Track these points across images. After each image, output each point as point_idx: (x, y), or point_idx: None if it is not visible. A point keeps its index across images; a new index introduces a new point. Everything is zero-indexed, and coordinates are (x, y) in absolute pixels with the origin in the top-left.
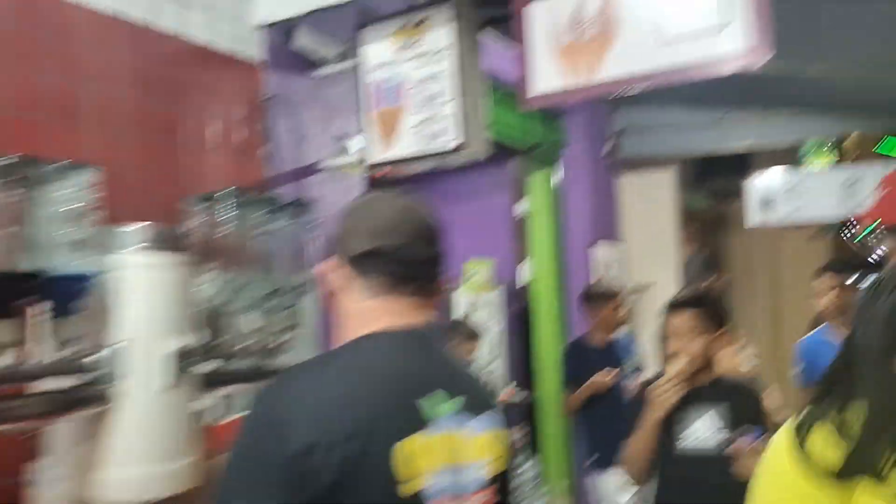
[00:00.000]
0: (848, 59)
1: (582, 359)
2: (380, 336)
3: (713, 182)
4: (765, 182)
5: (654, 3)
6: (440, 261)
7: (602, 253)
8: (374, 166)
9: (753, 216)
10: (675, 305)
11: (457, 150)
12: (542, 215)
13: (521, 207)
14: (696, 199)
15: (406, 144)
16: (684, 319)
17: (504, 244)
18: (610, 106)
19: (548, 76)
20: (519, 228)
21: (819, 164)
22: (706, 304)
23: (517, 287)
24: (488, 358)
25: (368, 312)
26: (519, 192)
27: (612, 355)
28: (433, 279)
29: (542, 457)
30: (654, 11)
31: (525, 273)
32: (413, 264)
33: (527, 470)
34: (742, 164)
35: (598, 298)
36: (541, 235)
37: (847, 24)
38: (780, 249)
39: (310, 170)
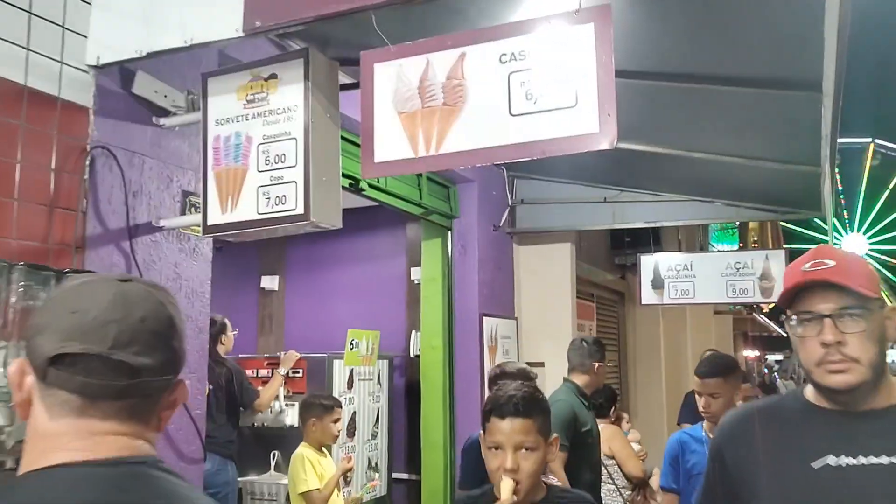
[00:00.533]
0: (727, 149)
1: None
2: (54, 474)
3: (618, 255)
4: (656, 263)
5: (504, 75)
6: (167, 370)
7: (494, 327)
8: (211, 229)
9: (646, 295)
10: (501, 411)
11: (301, 218)
12: (434, 284)
13: (417, 274)
14: (598, 272)
15: (247, 208)
16: (513, 430)
17: (396, 312)
18: (508, 177)
19: (391, 143)
20: (413, 296)
21: (721, 246)
22: (536, 412)
23: (407, 358)
24: (367, 436)
25: (50, 438)
26: (414, 258)
27: None
28: (152, 395)
29: None
30: (504, 84)
31: (415, 344)
32: (119, 377)
33: None
34: (648, 239)
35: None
36: (432, 306)
37: (722, 118)
38: (682, 323)
39: (144, 228)
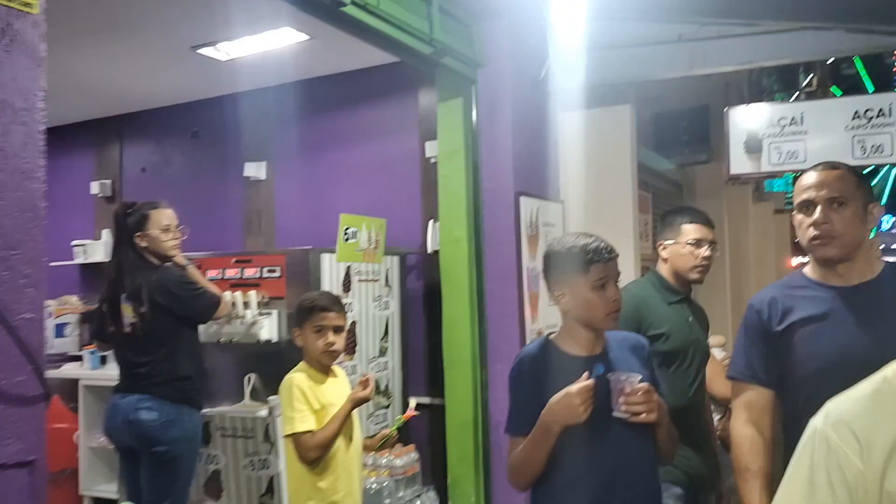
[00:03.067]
0: None
1: None
2: None
3: (675, 138)
4: (752, 118)
5: None
6: None
7: (534, 211)
8: None
9: (736, 163)
10: None
11: None
12: (455, 159)
13: (433, 150)
14: (655, 157)
15: None
16: None
17: (408, 199)
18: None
19: None
20: (430, 179)
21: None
22: None
23: (424, 255)
24: (375, 352)
25: None
26: (429, 132)
27: None
28: None
29: (450, 487)
30: None
31: (434, 237)
32: None
33: None
34: (705, 117)
35: None
36: (453, 187)
37: None
38: (745, 224)
39: None
